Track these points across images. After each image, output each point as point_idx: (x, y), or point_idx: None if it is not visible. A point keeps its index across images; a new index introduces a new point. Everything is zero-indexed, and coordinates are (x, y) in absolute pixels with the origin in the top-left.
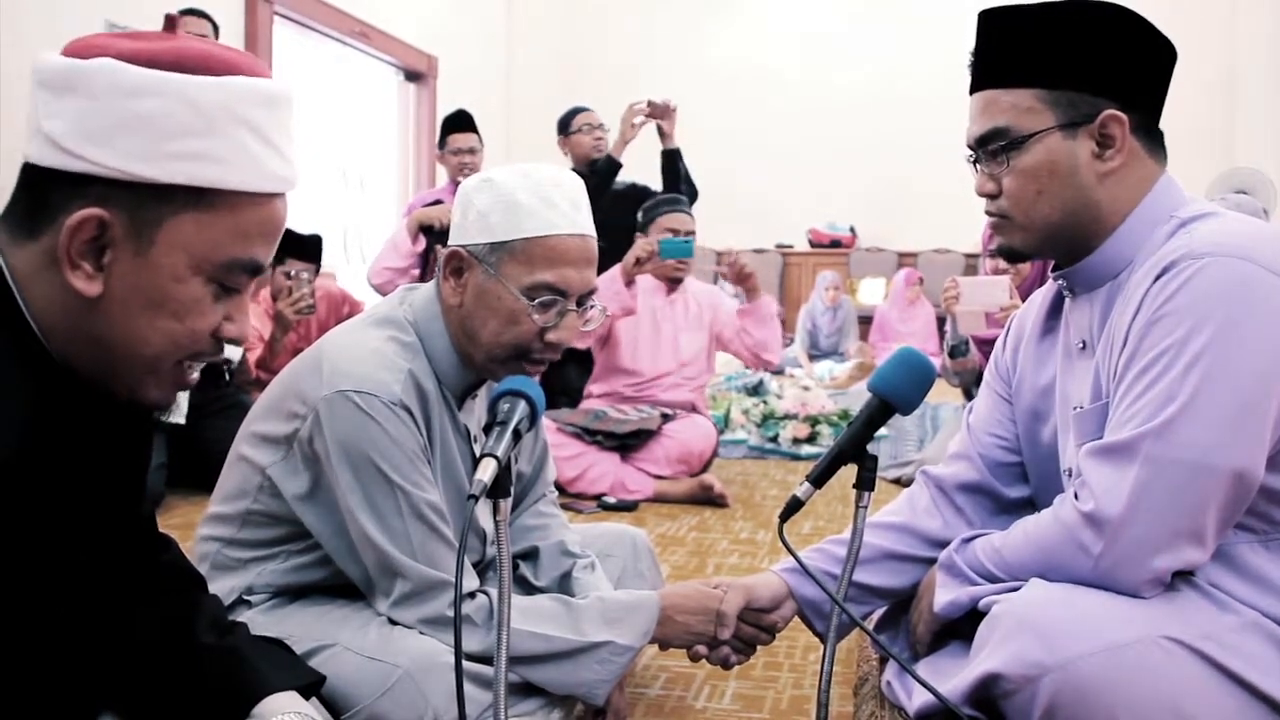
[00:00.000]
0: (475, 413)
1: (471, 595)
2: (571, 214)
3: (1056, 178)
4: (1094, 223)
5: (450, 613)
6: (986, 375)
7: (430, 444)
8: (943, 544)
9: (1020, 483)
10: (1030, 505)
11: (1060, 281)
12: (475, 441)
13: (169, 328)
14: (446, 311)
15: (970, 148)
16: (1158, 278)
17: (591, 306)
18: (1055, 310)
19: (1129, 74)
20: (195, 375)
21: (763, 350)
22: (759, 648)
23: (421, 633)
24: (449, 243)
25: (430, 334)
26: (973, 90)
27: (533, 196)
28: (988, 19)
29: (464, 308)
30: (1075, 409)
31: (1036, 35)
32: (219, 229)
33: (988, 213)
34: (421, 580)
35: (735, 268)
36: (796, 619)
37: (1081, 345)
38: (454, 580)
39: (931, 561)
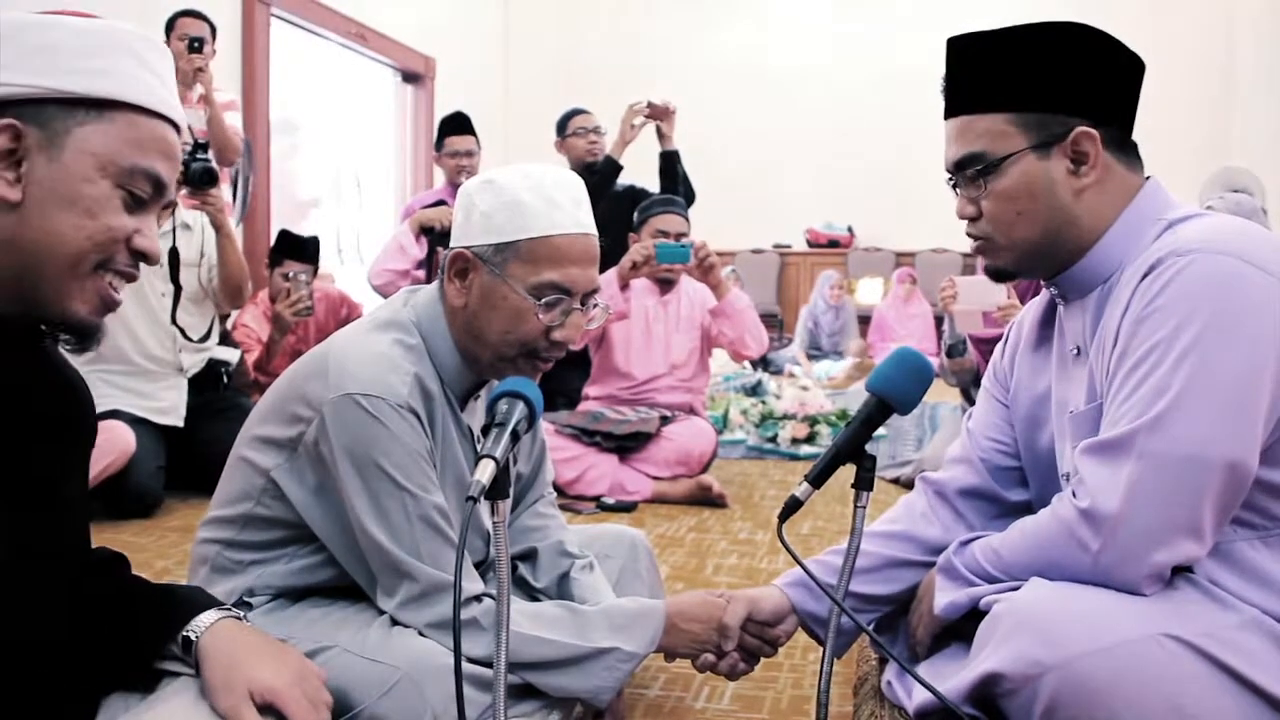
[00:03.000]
0: (478, 413)
1: (479, 599)
2: (575, 213)
3: (1034, 198)
4: (1076, 238)
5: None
6: (985, 380)
7: (435, 446)
8: (941, 549)
9: (1020, 486)
10: (1030, 509)
11: (1053, 290)
12: (478, 442)
13: (83, 224)
14: (450, 313)
15: (948, 172)
16: (1145, 276)
17: (595, 305)
18: (1049, 319)
19: (1097, 91)
20: (119, 296)
21: (740, 347)
22: None
23: (422, 634)
24: (452, 244)
25: (434, 335)
26: (947, 116)
27: (536, 196)
28: (955, 45)
29: (469, 308)
30: (1070, 412)
31: (1003, 60)
32: (118, 137)
33: (969, 234)
34: (429, 583)
35: (700, 255)
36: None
37: (1076, 351)
38: (460, 584)
39: (931, 567)
